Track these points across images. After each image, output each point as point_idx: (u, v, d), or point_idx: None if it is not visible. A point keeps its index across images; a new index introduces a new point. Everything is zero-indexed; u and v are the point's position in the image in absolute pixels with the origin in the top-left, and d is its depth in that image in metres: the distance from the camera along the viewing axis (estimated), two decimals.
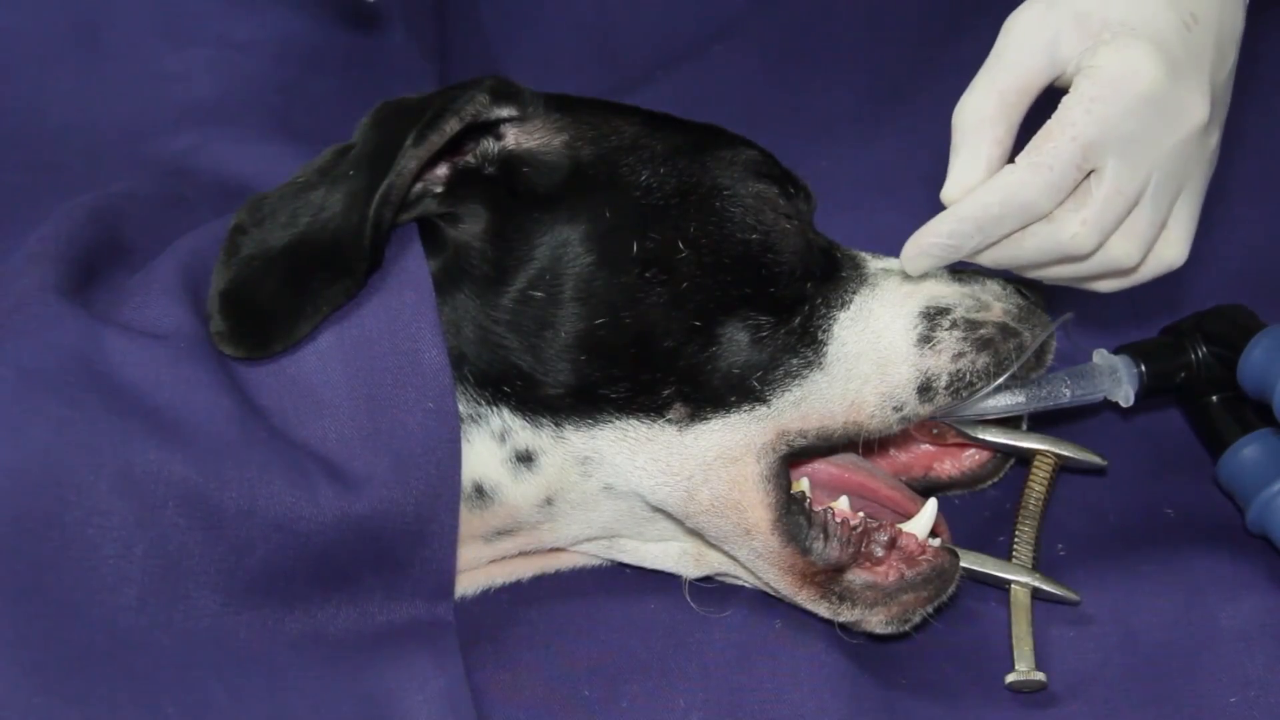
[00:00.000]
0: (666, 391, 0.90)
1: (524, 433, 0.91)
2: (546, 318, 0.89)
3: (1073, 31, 0.87)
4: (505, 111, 0.93)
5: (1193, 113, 0.88)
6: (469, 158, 0.93)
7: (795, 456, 0.94)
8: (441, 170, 0.93)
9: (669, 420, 0.90)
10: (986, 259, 0.92)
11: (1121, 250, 0.90)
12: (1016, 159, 0.88)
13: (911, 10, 1.46)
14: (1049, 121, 0.88)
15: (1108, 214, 0.88)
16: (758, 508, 0.91)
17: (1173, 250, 0.93)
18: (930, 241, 0.90)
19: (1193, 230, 0.94)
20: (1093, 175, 0.88)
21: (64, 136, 1.25)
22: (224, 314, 0.86)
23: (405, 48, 1.29)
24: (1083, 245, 0.89)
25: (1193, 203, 0.93)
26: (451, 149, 0.91)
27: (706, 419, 0.90)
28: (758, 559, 0.92)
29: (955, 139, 0.90)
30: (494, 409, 0.91)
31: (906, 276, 0.97)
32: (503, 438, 0.91)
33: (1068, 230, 0.88)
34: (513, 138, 0.94)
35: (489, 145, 0.93)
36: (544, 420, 0.91)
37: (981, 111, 0.89)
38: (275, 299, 0.87)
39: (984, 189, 0.88)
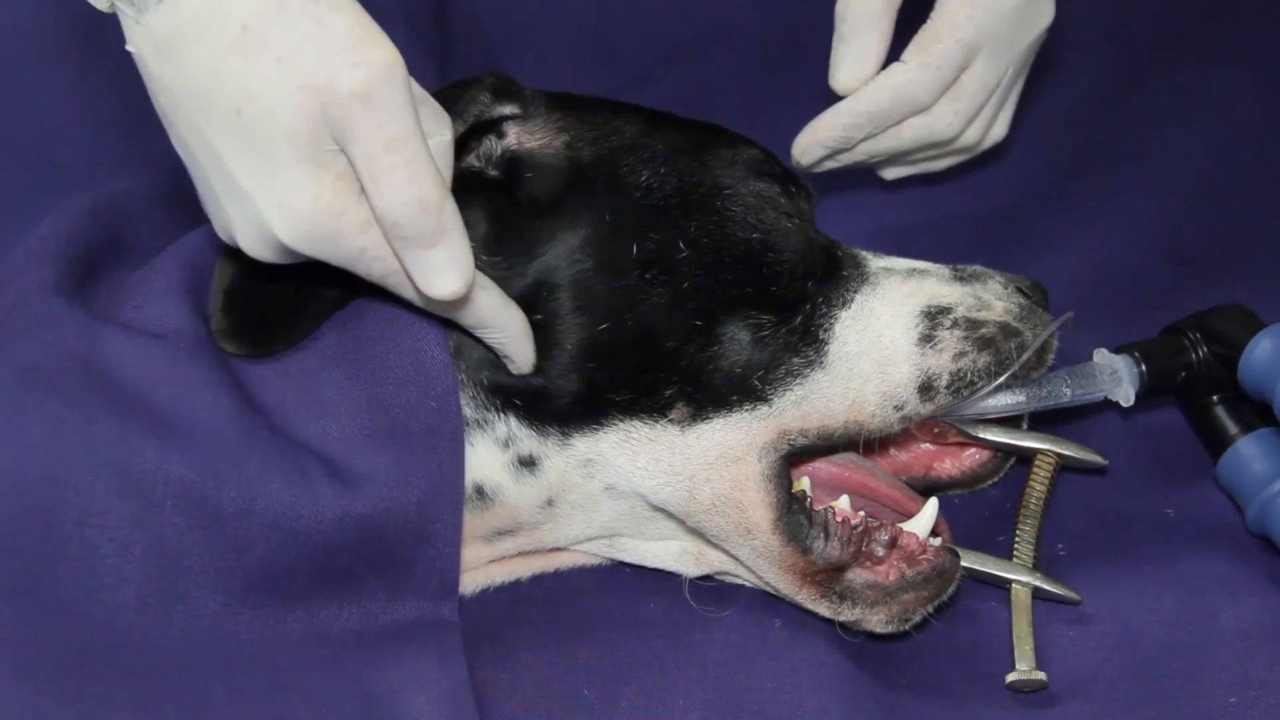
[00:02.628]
0: (669, 392, 0.90)
1: (529, 440, 0.91)
2: (550, 333, 0.89)
3: None
4: (507, 109, 0.93)
5: (1044, 15, 1.04)
6: (472, 159, 0.93)
7: (796, 456, 0.93)
8: None
9: (671, 420, 0.90)
10: (865, 149, 1.04)
11: (973, 133, 1.06)
12: (904, 57, 1.01)
13: (911, 10, 1.46)
14: (931, 24, 1.01)
15: (975, 105, 1.02)
16: (759, 507, 0.91)
17: (1000, 128, 1.09)
18: (826, 135, 1.02)
19: (1014, 110, 1.09)
20: (965, 72, 1.01)
21: (64, 136, 1.25)
22: (226, 312, 0.86)
23: (405, 48, 1.28)
24: (951, 132, 1.03)
25: (1020, 89, 1.09)
26: (454, 149, 0.91)
27: (708, 418, 0.90)
28: (758, 558, 0.92)
29: (843, 30, 1.02)
30: (501, 416, 0.91)
31: (908, 275, 0.97)
32: (507, 444, 0.91)
33: (943, 120, 1.02)
34: (514, 136, 0.94)
35: (491, 145, 0.93)
36: (551, 429, 0.91)
37: (871, 6, 1.00)
38: (278, 297, 0.87)
39: (876, 86, 1.01)
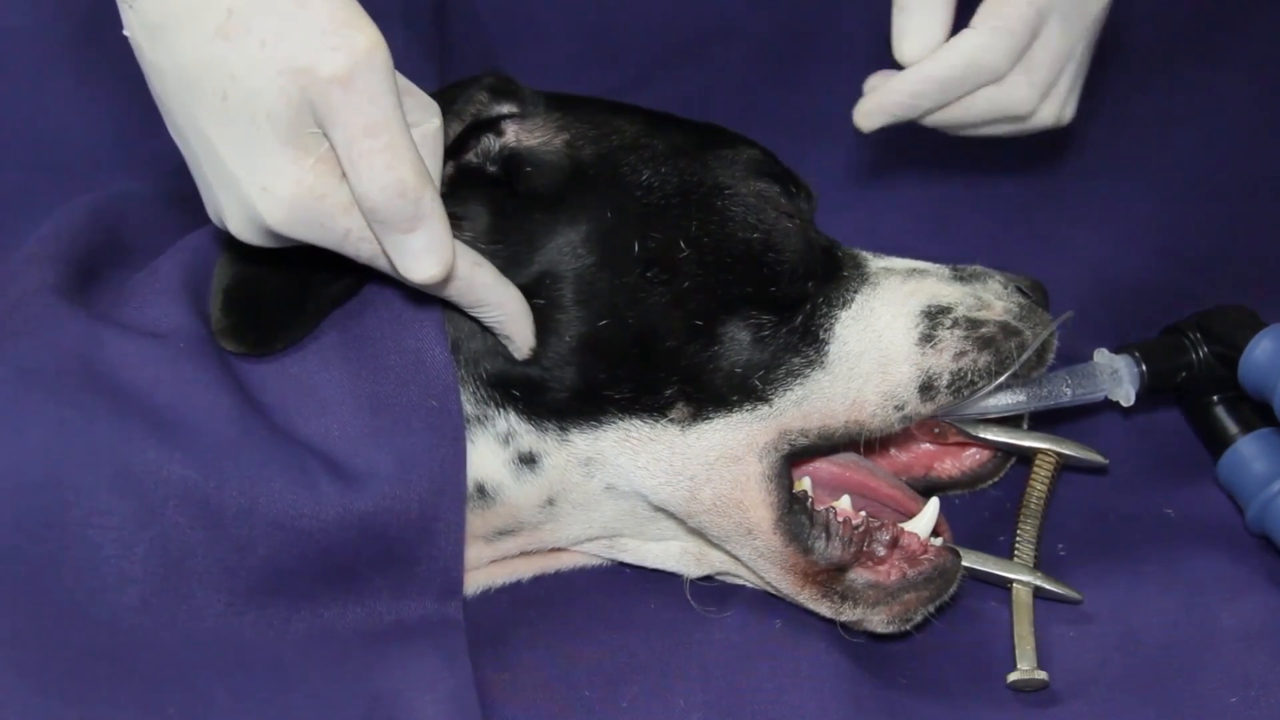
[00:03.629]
0: (669, 391, 0.90)
1: (528, 436, 0.91)
2: (549, 322, 0.89)
3: None
4: (505, 108, 0.93)
5: None
6: (471, 155, 0.93)
7: (797, 456, 0.93)
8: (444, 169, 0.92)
9: (671, 420, 0.90)
10: (933, 119, 0.98)
11: (1049, 109, 0.99)
12: (973, 23, 0.94)
13: None
14: None
15: (1050, 76, 0.96)
16: (760, 507, 0.91)
17: (1070, 108, 1.02)
18: (892, 101, 0.96)
19: (1080, 91, 1.03)
20: (1037, 40, 0.95)
21: (64, 138, 1.25)
22: (226, 311, 0.86)
23: (405, 48, 1.29)
24: (1027, 106, 0.96)
25: (1086, 68, 1.02)
26: (454, 148, 0.91)
27: (709, 418, 0.90)
28: (759, 558, 0.92)
29: (903, 0, 0.95)
30: (501, 411, 0.91)
31: (908, 275, 0.97)
32: (506, 440, 0.91)
33: (1018, 92, 0.95)
34: (513, 134, 0.94)
35: (490, 142, 0.93)
36: (549, 425, 0.91)
37: None
38: (278, 296, 0.87)
39: (947, 51, 0.94)
